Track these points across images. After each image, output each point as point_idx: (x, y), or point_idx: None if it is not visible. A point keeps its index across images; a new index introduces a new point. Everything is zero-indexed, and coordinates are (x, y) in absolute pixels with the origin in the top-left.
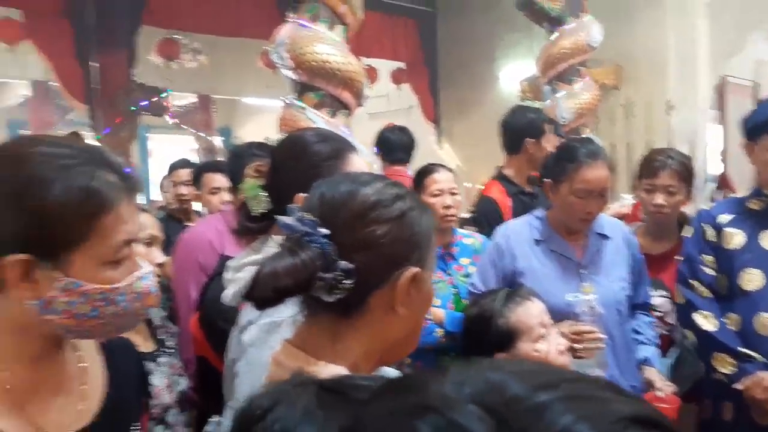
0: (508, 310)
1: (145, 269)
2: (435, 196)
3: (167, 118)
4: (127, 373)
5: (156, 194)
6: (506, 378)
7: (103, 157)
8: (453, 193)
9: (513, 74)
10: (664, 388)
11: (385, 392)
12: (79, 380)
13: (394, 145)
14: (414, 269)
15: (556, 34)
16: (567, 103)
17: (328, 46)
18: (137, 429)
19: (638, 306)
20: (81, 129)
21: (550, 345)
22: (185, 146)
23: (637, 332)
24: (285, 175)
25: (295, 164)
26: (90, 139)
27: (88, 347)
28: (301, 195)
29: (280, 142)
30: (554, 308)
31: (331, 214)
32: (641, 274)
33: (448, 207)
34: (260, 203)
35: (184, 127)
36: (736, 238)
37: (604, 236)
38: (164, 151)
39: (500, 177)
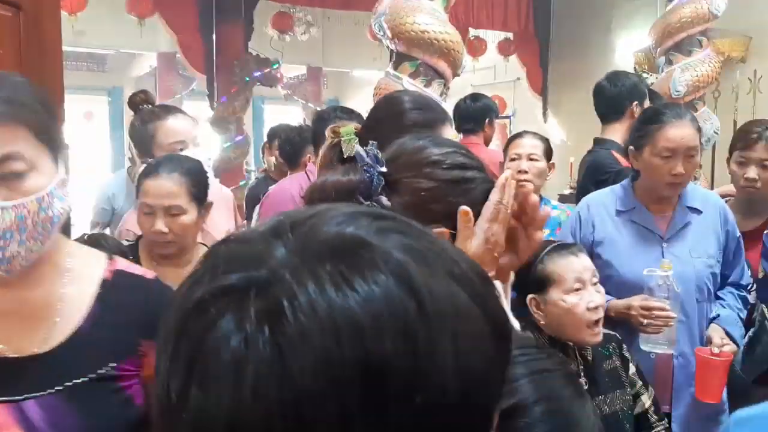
0: (549, 258)
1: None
2: (512, 160)
3: (279, 88)
4: (124, 312)
5: None
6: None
7: None
8: (532, 159)
9: (629, 46)
10: (720, 344)
11: None
12: (54, 309)
13: (463, 115)
14: (441, 229)
15: (675, 2)
16: (683, 75)
17: (426, 15)
18: (111, 370)
19: (731, 284)
20: (200, 98)
21: (581, 299)
22: (296, 117)
23: (720, 298)
24: (380, 130)
25: (390, 124)
26: (205, 106)
27: (80, 277)
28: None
29: (381, 99)
30: (630, 281)
31: (395, 158)
32: (737, 253)
33: (521, 171)
34: (352, 149)
35: (295, 98)
36: None
37: (695, 210)
38: (276, 120)
39: (608, 145)
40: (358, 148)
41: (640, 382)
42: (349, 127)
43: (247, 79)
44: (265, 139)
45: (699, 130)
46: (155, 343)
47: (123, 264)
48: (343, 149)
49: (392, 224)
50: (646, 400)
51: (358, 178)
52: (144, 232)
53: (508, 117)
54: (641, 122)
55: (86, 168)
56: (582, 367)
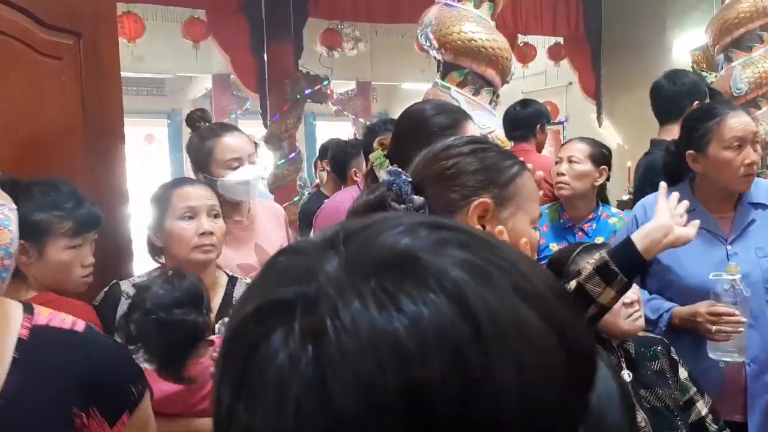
0: (580, 258)
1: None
2: (556, 163)
3: (330, 104)
4: (50, 377)
5: None
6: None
7: None
8: (571, 161)
9: (686, 45)
10: None
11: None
12: None
13: (513, 122)
14: (483, 199)
15: None
16: (744, 72)
17: (473, 24)
18: None
19: None
20: (254, 117)
21: None
22: (347, 131)
23: None
24: (407, 145)
25: (416, 135)
26: (259, 125)
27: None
28: None
29: (402, 114)
30: (693, 287)
31: (416, 165)
32: None
33: (559, 173)
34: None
35: (345, 113)
36: None
37: (759, 205)
38: (328, 136)
39: (666, 146)
40: (382, 174)
41: (694, 389)
42: (377, 153)
43: (299, 96)
44: (317, 154)
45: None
46: (96, 407)
47: (44, 316)
48: (377, 174)
49: (453, 235)
50: (702, 407)
51: (384, 190)
52: (185, 241)
53: (560, 123)
54: (696, 122)
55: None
56: (623, 359)
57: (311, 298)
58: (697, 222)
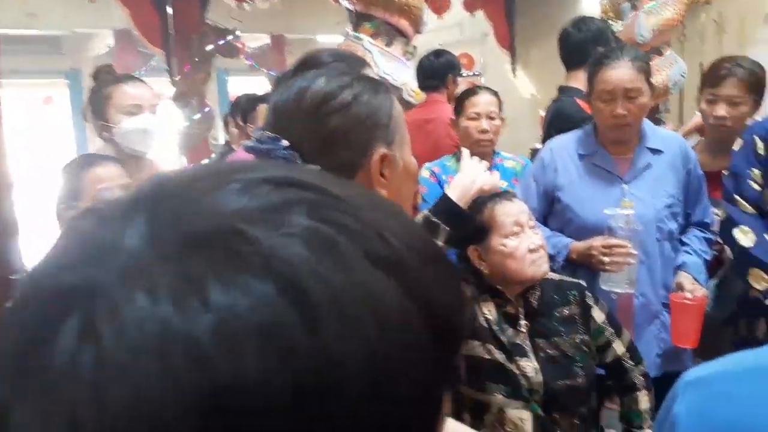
0: (484, 207)
1: None
2: (471, 119)
3: (242, 59)
4: None
5: None
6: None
7: None
8: (491, 118)
9: None
10: (692, 289)
11: None
12: None
13: (427, 72)
14: (381, 151)
15: None
16: (647, 20)
17: None
18: None
19: (696, 224)
20: (161, 74)
21: (521, 242)
22: (262, 87)
23: (684, 243)
24: None
25: None
26: (165, 83)
27: None
28: None
29: (297, 63)
30: (591, 224)
31: (287, 124)
32: (699, 192)
33: (483, 131)
34: None
35: (259, 68)
36: None
37: (656, 151)
38: (242, 92)
39: (572, 93)
40: (247, 143)
41: (611, 330)
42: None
43: (206, 50)
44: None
45: (644, 71)
46: None
47: None
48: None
49: (302, 195)
50: (618, 346)
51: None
52: None
53: (477, 74)
54: (589, 66)
55: (49, 154)
56: (523, 310)
57: (96, 287)
58: (496, 172)
